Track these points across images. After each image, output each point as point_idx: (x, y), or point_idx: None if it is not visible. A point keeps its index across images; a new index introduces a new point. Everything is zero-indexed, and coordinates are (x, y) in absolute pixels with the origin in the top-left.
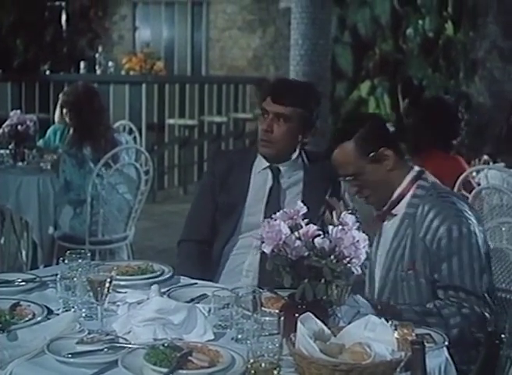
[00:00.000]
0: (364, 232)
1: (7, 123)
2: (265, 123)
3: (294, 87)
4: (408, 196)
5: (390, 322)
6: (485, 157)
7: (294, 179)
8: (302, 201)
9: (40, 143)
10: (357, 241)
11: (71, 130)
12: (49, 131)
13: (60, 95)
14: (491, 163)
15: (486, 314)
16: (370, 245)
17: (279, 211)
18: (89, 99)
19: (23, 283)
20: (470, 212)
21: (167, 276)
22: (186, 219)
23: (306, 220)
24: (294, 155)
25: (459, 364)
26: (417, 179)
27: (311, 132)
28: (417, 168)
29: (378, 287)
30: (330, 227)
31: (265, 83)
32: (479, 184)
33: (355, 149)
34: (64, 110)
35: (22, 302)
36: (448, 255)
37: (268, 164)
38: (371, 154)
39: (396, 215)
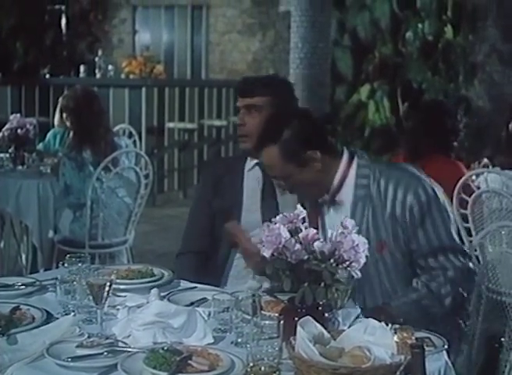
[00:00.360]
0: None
1: (7, 126)
2: (239, 117)
3: (258, 79)
4: (350, 178)
5: (390, 325)
6: (485, 160)
7: None
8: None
9: (40, 146)
10: (357, 244)
11: (71, 134)
12: (49, 135)
13: (60, 99)
14: (490, 167)
15: (471, 265)
16: None
17: (276, 205)
18: (88, 102)
19: (23, 286)
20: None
21: (167, 279)
22: (184, 232)
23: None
24: None
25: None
26: (351, 159)
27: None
28: (346, 150)
29: None
30: (330, 231)
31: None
32: (479, 188)
33: (279, 154)
34: (64, 114)
35: (21, 306)
36: (421, 220)
37: (256, 160)
38: (297, 158)
39: (340, 203)
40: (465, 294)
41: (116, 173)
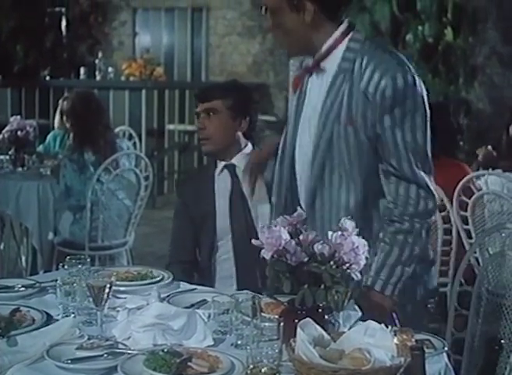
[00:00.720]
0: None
1: (7, 128)
2: (198, 122)
3: (214, 84)
4: (340, 49)
5: (390, 328)
6: (489, 147)
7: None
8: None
9: (40, 148)
10: (357, 246)
11: (71, 136)
12: (49, 137)
13: (59, 101)
14: (490, 169)
15: (430, 204)
16: (296, 105)
17: (244, 208)
18: (84, 104)
19: (23, 288)
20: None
21: (167, 281)
22: (170, 244)
23: None
24: (246, 147)
25: None
26: (348, 31)
27: (246, 120)
28: (346, 22)
29: (312, 150)
30: (330, 233)
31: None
32: (479, 190)
33: None
34: (63, 116)
35: (21, 308)
36: (391, 106)
37: (223, 164)
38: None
39: (324, 70)
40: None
41: (116, 175)
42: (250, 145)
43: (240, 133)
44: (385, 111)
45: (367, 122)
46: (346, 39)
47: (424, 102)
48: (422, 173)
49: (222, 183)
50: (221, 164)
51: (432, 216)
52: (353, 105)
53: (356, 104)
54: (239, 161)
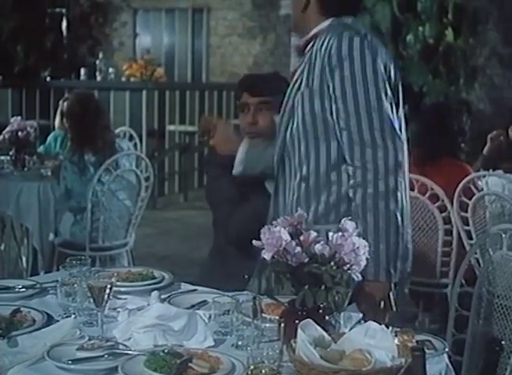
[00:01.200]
0: None
1: (7, 129)
2: (249, 116)
3: (263, 77)
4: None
5: (391, 328)
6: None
7: None
8: None
9: (40, 149)
10: (357, 247)
11: (70, 137)
12: (50, 137)
13: (60, 102)
14: (490, 170)
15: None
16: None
17: None
18: (83, 105)
19: (24, 289)
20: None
21: (167, 282)
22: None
23: None
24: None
25: None
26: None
27: None
28: (344, 18)
29: (280, 119)
30: (330, 234)
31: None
32: (480, 191)
33: None
34: (63, 118)
35: (22, 309)
36: (339, 61)
37: None
38: None
39: (305, 54)
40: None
41: (117, 176)
42: None
43: None
44: (335, 67)
45: (322, 82)
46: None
47: (376, 61)
48: (376, 132)
49: None
50: None
51: (397, 169)
52: (311, 71)
53: (314, 69)
54: None
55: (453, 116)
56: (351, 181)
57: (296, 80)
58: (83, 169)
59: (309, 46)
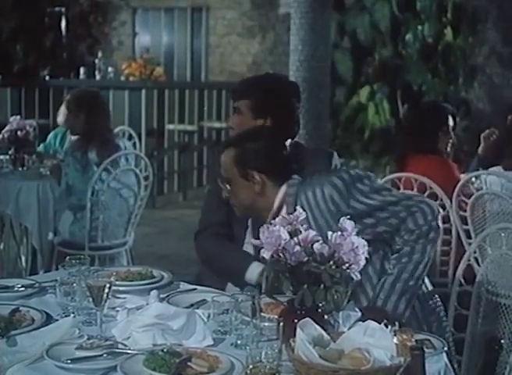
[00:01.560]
0: None
1: (6, 128)
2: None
3: (246, 81)
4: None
5: (389, 327)
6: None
7: None
8: None
9: (40, 147)
10: (356, 246)
11: (77, 134)
12: (50, 135)
13: (67, 97)
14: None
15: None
16: None
17: None
18: (98, 103)
19: (23, 288)
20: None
21: (166, 281)
22: (201, 215)
23: None
24: None
25: None
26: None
27: (267, 121)
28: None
29: None
30: (330, 233)
31: None
32: (478, 190)
33: (233, 159)
34: (70, 113)
35: (21, 308)
36: (348, 197)
37: None
38: (242, 169)
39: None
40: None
41: (116, 175)
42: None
43: None
44: (347, 205)
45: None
46: (284, 189)
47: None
48: (400, 207)
49: None
50: None
51: (432, 230)
52: (323, 227)
53: (326, 223)
54: None
55: (425, 116)
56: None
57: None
58: (85, 167)
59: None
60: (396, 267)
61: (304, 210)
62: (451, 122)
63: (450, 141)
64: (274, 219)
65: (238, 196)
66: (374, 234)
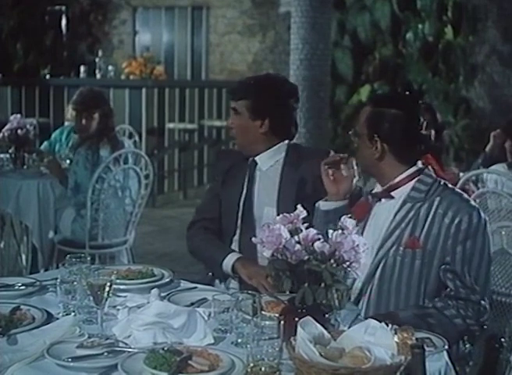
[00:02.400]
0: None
1: (7, 127)
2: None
3: (245, 82)
4: (410, 185)
5: (390, 326)
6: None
7: (271, 170)
8: (278, 193)
9: (45, 145)
10: (357, 245)
11: (87, 134)
12: (56, 132)
13: (75, 99)
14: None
15: (482, 319)
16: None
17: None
18: (107, 102)
19: (23, 287)
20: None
21: (167, 280)
22: (196, 209)
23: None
24: (272, 147)
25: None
26: (419, 172)
27: (266, 121)
28: (420, 163)
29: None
30: (330, 231)
31: None
32: (478, 188)
33: (367, 117)
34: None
35: (22, 306)
36: (465, 238)
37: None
38: (370, 132)
39: (393, 197)
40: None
41: (117, 174)
42: (283, 142)
43: (262, 133)
44: (459, 242)
45: (437, 247)
46: (414, 180)
47: (489, 240)
48: (476, 296)
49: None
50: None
51: (476, 330)
52: (417, 228)
53: (425, 227)
54: (262, 160)
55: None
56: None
57: (392, 234)
58: (95, 165)
59: (396, 192)
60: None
61: (419, 207)
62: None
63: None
64: (389, 191)
65: (360, 153)
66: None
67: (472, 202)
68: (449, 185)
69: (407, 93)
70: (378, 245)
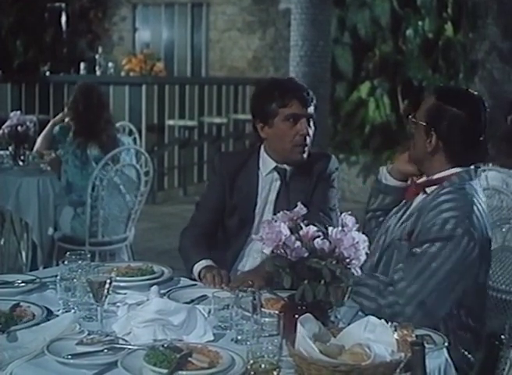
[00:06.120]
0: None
1: (7, 124)
2: (303, 126)
3: (306, 88)
4: (440, 187)
5: (390, 323)
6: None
7: (298, 178)
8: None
9: (56, 130)
10: (357, 242)
11: (73, 131)
12: (55, 130)
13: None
14: (490, 165)
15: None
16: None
17: (288, 210)
18: (85, 97)
19: (23, 284)
20: (481, 220)
21: (167, 277)
22: (193, 213)
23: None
24: None
25: None
26: (457, 174)
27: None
28: (472, 168)
29: (380, 252)
30: (330, 228)
31: (271, 86)
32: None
33: (428, 108)
34: (69, 110)
35: (22, 303)
36: (433, 240)
37: (274, 165)
38: (428, 125)
39: (426, 193)
40: None
41: (117, 170)
42: None
43: None
44: (433, 239)
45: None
46: (454, 175)
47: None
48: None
49: (267, 182)
50: (270, 164)
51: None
52: (415, 224)
53: (417, 224)
54: (290, 167)
55: None
56: None
57: (401, 225)
58: (84, 163)
59: (431, 188)
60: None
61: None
62: None
63: None
64: (424, 186)
65: (414, 142)
66: None
67: (472, 217)
68: (470, 191)
69: (474, 93)
70: (391, 234)
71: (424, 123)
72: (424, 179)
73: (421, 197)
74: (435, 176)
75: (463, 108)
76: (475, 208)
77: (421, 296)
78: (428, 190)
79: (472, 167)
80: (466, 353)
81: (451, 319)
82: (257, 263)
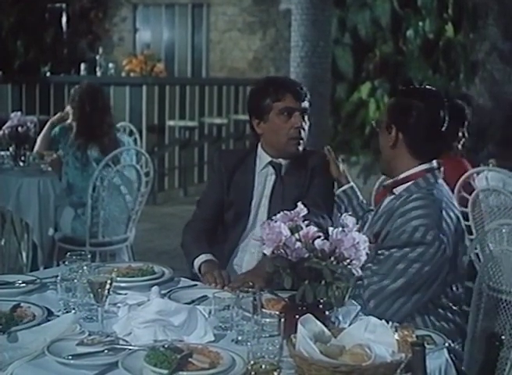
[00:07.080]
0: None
1: (7, 124)
2: (297, 120)
3: (299, 83)
4: (411, 182)
5: (390, 324)
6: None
7: (293, 172)
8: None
9: (55, 130)
10: (357, 242)
11: (74, 133)
12: (55, 130)
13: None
14: (491, 165)
15: None
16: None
17: (283, 204)
18: (91, 99)
19: (24, 284)
20: (450, 223)
21: (167, 277)
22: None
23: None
24: None
25: None
26: (428, 171)
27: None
28: (435, 163)
29: None
30: (330, 229)
31: (265, 83)
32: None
33: (390, 104)
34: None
35: (22, 304)
36: (404, 245)
37: (269, 160)
38: (389, 120)
39: (394, 194)
40: None
41: (117, 171)
42: None
43: None
44: (402, 245)
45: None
46: (422, 177)
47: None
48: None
49: (262, 177)
50: (265, 158)
51: None
52: (382, 226)
53: (385, 226)
54: (285, 161)
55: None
56: None
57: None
58: (85, 165)
59: (399, 189)
60: None
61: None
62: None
63: (463, 139)
64: (393, 187)
65: (380, 144)
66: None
67: (442, 222)
68: (443, 195)
69: (432, 88)
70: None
71: (386, 120)
72: (391, 180)
73: (388, 198)
74: (401, 176)
75: (419, 98)
76: (444, 213)
77: (383, 294)
78: (396, 191)
79: (435, 164)
80: (450, 342)
81: (427, 312)
82: (255, 258)
